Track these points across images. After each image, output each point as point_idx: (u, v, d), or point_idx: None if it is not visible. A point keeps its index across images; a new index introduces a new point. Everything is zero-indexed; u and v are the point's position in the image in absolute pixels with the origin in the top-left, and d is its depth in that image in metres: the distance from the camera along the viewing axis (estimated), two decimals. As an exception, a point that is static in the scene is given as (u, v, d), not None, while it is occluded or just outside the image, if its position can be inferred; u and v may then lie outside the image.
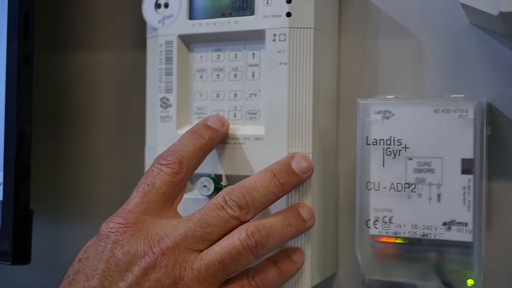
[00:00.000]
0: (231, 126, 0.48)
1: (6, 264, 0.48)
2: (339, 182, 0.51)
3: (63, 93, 0.63)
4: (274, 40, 0.46)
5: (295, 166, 0.43)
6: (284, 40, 0.46)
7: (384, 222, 0.44)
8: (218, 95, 0.49)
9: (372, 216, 0.44)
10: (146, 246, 0.39)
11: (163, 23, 0.50)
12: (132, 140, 0.60)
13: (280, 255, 0.44)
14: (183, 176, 0.43)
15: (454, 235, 0.42)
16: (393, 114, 0.44)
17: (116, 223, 0.40)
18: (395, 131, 0.43)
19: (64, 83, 0.63)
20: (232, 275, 0.41)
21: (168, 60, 0.50)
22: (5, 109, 0.49)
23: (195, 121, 0.49)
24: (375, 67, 0.50)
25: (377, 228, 0.44)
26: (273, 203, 0.43)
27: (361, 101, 0.44)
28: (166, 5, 0.50)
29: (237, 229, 0.40)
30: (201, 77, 0.50)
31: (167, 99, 0.50)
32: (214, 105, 0.49)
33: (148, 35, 0.51)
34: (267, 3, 0.46)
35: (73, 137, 0.63)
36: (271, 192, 0.42)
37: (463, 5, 0.42)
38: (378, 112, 0.44)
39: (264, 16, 0.46)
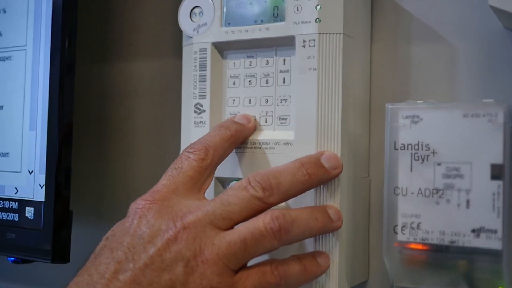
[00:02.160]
0: (262, 131, 0.49)
1: (46, 262, 0.51)
2: (371, 187, 0.51)
3: (107, 100, 0.66)
4: (304, 46, 0.47)
5: (324, 161, 0.44)
6: (314, 46, 0.46)
7: (412, 228, 0.43)
8: (250, 101, 0.50)
9: (400, 221, 0.44)
10: (169, 221, 0.40)
11: (197, 31, 0.51)
12: (170, 145, 0.61)
13: (306, 254, 0.44)
14: (209, 162, 0.44)
15: (483, 242, 0.41)
16: (421, 119, 0.43)
17: (144, 200, 0.42)
18: (423, 136, 0.43)
19: (107, 90, 0.66)
20: (254, 260, 0.41)
21: (202, 67, 0.51)
22: (48, 115, 0.52)
23: (228, 127, 0.50)
24: (407, 72, 0.50)
25: (404, 234, 0.44)
26: (299, 193, 0.43)
27: (389, 106, 0.44)
28: (201, 14, 0.51)
29: (263, 213, 0.41)
30: (234, 83, 0.51)
31: (201, 105, 0.51)
32: (246, 111, 0.50)
33: (184, 43, 0.53)
34: (297, 10, 0.47)
35: (115, 142, 0.65)
36: (297, 180, 0.42)
37: (493, 8, 0.41)
38: (407, 117, 0.44)
39: (294, 22, 0.47)
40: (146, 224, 0.40)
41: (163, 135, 0.63)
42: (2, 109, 0.55)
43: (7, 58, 0.55)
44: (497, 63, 0.47)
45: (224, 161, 0.48)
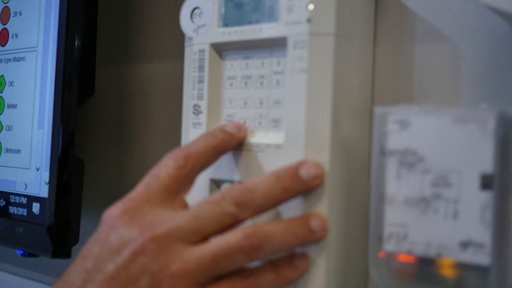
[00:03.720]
0: (256, 134, 0.48)
1: (48, 257, 0.52)
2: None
3: (125, 100, 0.67)
4: (294, 47, 0.45)
5: (303, 172, 0.43)
6: (304, 47, 0.45)
7: (398, 238, 0.41)
8: (245, 103, 0.49)
9: (385, 230, 0.42)
10: (138, 231, 0.40)
11: (197, 32, 0.51)
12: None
13: (282, 259, 0.43)
14: (188, 171, 0.43)
15: (470, 256, 0.39)
16: (410, 124, 0.41)
17: (116, 208, 0.42)
18: (411, 142, 0.41)
19: (126, 91, 0.67)
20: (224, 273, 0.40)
21: (201, 68, 0.51)
22: (53, 115, 0.53)
23: (224, 128, 0.50)
24: (410, 74, 0.48)
25: (390, 244, 0.42)
26: (274, 206, 0.42)
27: (377, 110, 0.42)
28: (201, 15, 0.51)
29: (236, 229, 0.40)
30: (231, 84, 0.50)
31: (199, 106, 0.51)
32: (242, 113, 0.49)
33: (186, 44, 0.53)
34: (290, 10, 0.46)
35: (132, 141, 0.66)
36: (272, 195, 0.41)
37: (489, 8, 0.38)
38: (395, 122, 0.42)
39: (287, 23, 0.46)
40: (115, 234, 0.40)
41: (180, 135, 0.63)
42: (16, 107, 0.58)
43: (21, 59, 0.57)
44: (503, 64, 0.44)
45: (220, 162, 0.48)
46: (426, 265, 0.40)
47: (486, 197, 0.38)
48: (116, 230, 0.40)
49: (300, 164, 0.43)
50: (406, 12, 0.48)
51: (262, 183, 0.42)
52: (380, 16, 0.49)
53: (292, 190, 0.42)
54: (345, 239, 0.46)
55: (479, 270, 0.38)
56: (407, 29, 0.48)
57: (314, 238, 0.43)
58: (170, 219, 0.40)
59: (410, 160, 0.41)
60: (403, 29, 0.48)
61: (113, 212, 0.42)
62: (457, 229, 0.39)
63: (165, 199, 0.43)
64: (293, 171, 0.43)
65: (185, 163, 0.43)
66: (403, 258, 0.41)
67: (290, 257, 0.43)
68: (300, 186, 0.42)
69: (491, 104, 0.40)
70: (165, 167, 0.43)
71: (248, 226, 0.40)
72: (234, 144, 0.47)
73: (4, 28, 0.60)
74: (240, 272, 0.41)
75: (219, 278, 0.40)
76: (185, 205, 0.46)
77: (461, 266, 0.39)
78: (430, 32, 0.47)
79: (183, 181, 0.44)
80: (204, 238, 0.40)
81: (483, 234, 0.38)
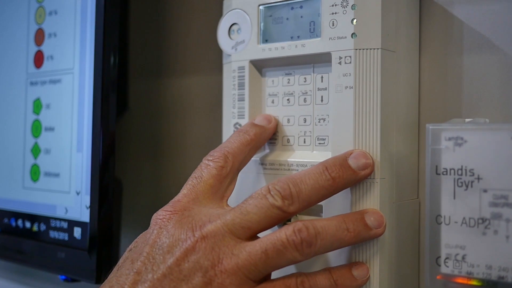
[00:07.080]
0: (301, 152, 0.47)
1: (91, 283, 0.51)
2: (421, 209, 0.47)
3: (159, 116, 0.66)
4: (339, 63, 0.44)
5: (351, 161, 0.41)
6: (350, 62, 0.43)
7: (457, 260, 0.40)
8: (288, 120, 0.48)
9: (443, 253, 0.40)
10: (189, 230, 0.39)
11: (236, 49, 0.50)
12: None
13: (340, 267, 0.42)
14: (229, 169, 0.44)
15: (535, 279, 0.37)
16: (465, 141, 0.39)
17: (165, 211, 0.42)
18: (467, 160, 0.39)
19: (159, 107, 0.66)
20: (277, 272, 0.39)
21: (241, 85, 0.50)
22: (92, 138, 0.53)
23: (267, 147, 0.49)
24: (459, 86, 0.46)
25: (448, 266, 0.40)
26: (324, 198, 0.41)
27: (430, 126, 0.41)
28: (239, 31, 0.50)
29: (286, 224, 0.40)
30: (272, 102, 0.49)
31: (240, 125, 0.50)
32: (285, 130, 0.48)
33: (224, 61, 0.52)
34: (333, 25, 0.44)
35: (168, 156, 0.65)
36: (320, 186, 0.40)
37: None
38: (450, 139, 0.40)
39: (330, 38, 0.44)
40: (166, 235, 0.40)
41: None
42: (54, 131, 0.57)
43: (57, 81, 0.57)
44: (559, 74, 0.42)
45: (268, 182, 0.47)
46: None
47: (550, 217, 0.36)
48: (167, 231, 0.40)
49: (349, 154, 0.42)
50: (452, 20, 0.46)
51: (309, 174, 0.40)
52: (425, 26, 0.47)
53: (341, 180, 0.41)
54: (397, 256, 0.44)
55: (545, 294, 0.37)
56: (454, 38, 0.46)
57: (370, 235, 0.41)
58: (218, 217, 0.40)
59: (467, 179, 0.39)
60: (450, 38, 0.46)
61: (162, 214, 0.41)
62: (520, 251, 0.37)
63: (212, 198, 0.43)
64: (341, 161, 0.41)
65: (224, 162, 0.44)
66: (462, 281, 0.40)
67: (349, 266, 0.42)
68: (349, 175, 0.41)
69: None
70: (207, 168, 0.44)
71: (298, 221, 0.39)
72: (267, 137, 0.48)
73: (39, 50, 0.60)
74: (297, 275, 0.40)
75: (274, 279, 0.40)
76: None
77: (526, 290, 0.37)
78: (478, 40, 0.45)
79: (226, 180, 0.44)
80: (253, 233, 0.40)
81: (549, 256, 0.36)
